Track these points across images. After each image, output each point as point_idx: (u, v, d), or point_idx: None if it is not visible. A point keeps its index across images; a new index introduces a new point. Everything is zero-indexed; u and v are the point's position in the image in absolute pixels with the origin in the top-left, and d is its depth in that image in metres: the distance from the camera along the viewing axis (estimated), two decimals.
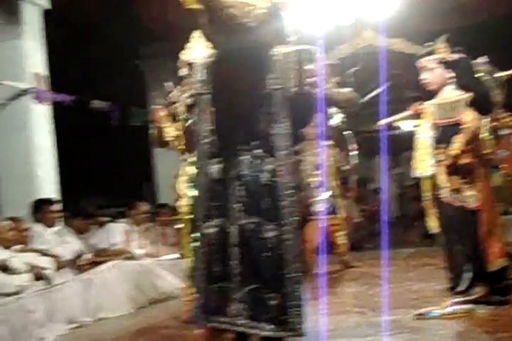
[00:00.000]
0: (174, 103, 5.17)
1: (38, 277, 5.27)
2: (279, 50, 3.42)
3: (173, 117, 5.14)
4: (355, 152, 7.57)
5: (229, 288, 3.34)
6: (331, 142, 7.23)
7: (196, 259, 3.49)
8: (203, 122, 3.50)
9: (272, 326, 3.27)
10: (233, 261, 3.33)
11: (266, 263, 3.30)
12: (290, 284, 3.26)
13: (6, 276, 5.05)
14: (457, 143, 4.41)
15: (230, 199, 3.37)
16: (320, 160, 6.97)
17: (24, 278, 5.16)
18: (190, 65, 3.66)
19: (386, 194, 12.84)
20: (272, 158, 3.36)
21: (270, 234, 3.30)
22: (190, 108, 3.71)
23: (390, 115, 5.18)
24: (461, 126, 4.47)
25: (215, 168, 3.43)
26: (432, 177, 4.62)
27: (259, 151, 3.38)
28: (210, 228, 3.40)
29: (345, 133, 7.37)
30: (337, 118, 6.99)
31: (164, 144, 5.57)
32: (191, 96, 3.64)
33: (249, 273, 3.31)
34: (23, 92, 7.57)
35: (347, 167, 7.53)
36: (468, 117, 4.47)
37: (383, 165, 13.15)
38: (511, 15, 9.50)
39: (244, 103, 3.42)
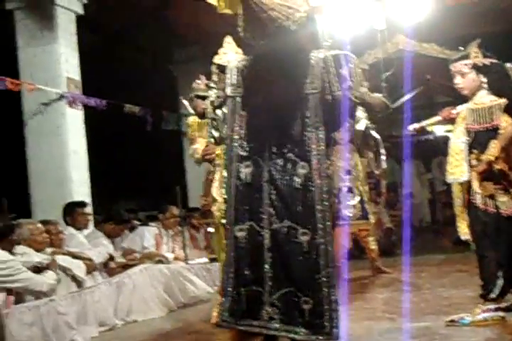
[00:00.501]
0: (199, 97, 5.20)
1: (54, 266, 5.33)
2: (316, 55, 3.42)
3: (200, 114, 5.16)
4: (385, 157, 7.54)
5: (260, 291, 3.34)
6: (360, 147, 7.21)
7: (225, 262, 3.50)
8: (234, 125, 3.50)
9: (306, 330, 3.27)
10: (265, 265, 3.33)
11: (300, 267, 3.29)
12: (324, 288, 3.26)
13: (39, 276, 5.10)
14: (493, 149, 4.37)
15: (261, 203, 3.37)
16: (349, 165, 6.95)
17: (54, 276, 5.21)
18: (221, 67, 3.67)
19: (417, 199, 12.78)
20: (305, 162, 3.35)
21: (304, 239, 3.29)
22: (216, 109, 3.72)
23: (421, 120, 5.15)
24: (498, 131, 4.43)
25: (245, 171, 3.43)
26: (464, 183, 4.58)
27: (291, 155, 3.37)
28: (241, 231, 3.40)
29: (374, 137, 7.34)
30: (363, 123, 6.97)
31: (202, 161, 5.61)
32: (218, 97, 3.65)
33: (282, 277, 3.31)
34: (58, 97, 7.66)
35: (377, 172, 7.50)
36: (506, 122, 4.44)
37: (414, 170, 13.12)
38: None
39: (279, 107, 3.42)
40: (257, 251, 3.36)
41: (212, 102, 3.75)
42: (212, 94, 3.79)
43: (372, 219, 7.27)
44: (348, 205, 6.93)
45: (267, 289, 3.32)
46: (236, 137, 3.48)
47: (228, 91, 3.56)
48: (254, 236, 3.37)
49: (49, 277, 5.16)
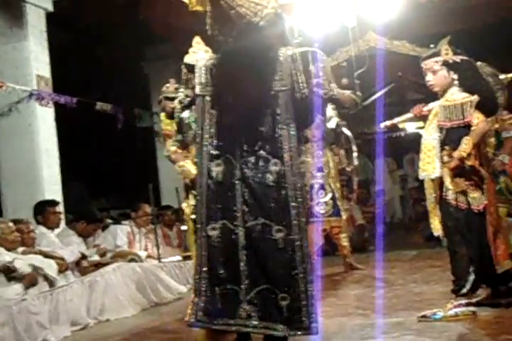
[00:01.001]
0: (168, 98, 5.19)
1: (32, 282, 5.29)
2: (284, 52, 3.42)
3: (169, 114, 5.16)
4: (356, 154, 7.59)
5: (236, 290, 3.34)
6: (332, 144, 7.25)
7: (198, 262, 3.49)
8: (205, 124, 3.49)
9: (285, 326, 3.28)
10: (241, 263, 3.33)
11: (276, 264, 3.30)
12: (301, 284, 3.27)
13: (6, 287, 5.08)
14: (466, 145, 4.40)
15: (234, 201, 3.37)
16: (321, 161, 6.98)
17: (18, 290, 5.19)
18: (189, 67, 3.66)
19: (389, 196, 12.87)
20: (277, 159, 3.35)
21: (279, 235, 3.30)
22: (185, 108, 3.69)
23: (392, 117, 5.18)
24: (471, 128, 4.47)
25: (217, 169, 3.42)
26: (436, 179, 4.62)
27: (263, 152, 3.37)
28: (213, 230, 3.39)
29: (346, 134, 7.38)
30: (333, 121, 6.98)
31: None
32: (187, 96, 3.63)
33: (258, 274, 3.32)
34: (28, 95, 7.59)
35: (349, 168, 7.54)
36: (477, 119, 4.48)
37: (386, 167, 13.20)
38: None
39: (249, 104, 3.42)
40: (231, 250, 3.36)
41: (180, 101, 3.72)
42: (181, 94, 3.76)
43: (344, 215, 7.30)
44: (321, 202, 6.97)
45: (244, 287, 3.32)
46: (206, 136, 3.47)
47: (197, 90, 3.54)
48: (228, 234, 3.37)
49: (12, 291, 5.13)
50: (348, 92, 3.74)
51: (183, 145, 5.29)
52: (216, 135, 3.45)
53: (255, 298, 3.31)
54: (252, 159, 3.37)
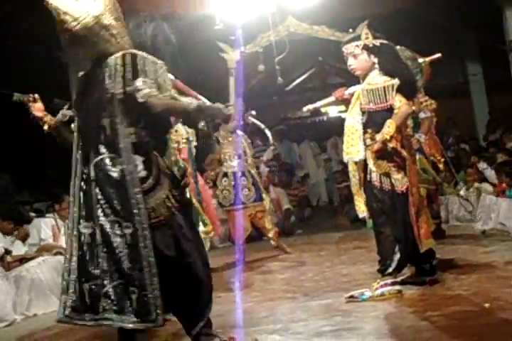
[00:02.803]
0: None
1: None
2: (116, 55, 3.57)
3: None
4: (273, 147, 7.72)
5: (98, 285, 3.48)
6: (248, 133, 7.37)
7: (67, 259, 3.61)
8: (75, 127, 3.75)
9: (136, 319, 3.41)
10: (99, 259, 3.48)
11: (126, 259, 3.45)
12: (147, 277, 3.40)
13: None
14: (389, 128, 4.46)
15: (92, 200, 3.54)
16: (240, 149, 7.09)
17: None
18: None
19: (314, 179, 13.01)
20: (120, 157, 3.51)
21: (127, 231, 3.46)
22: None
23: (314, 101, 5.22)
24: (394, 111, 4.53)
25: (85, 171, 3.61)
26: (360, 162, 4.68)
27: (108, 153, 3.55)
28: (82, 229, 3.56)
29: (259, 126, 7.50)
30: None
31: None
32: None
33: (113, 269, 3.47)
34: None
35: (262, 159, 7.67)
36: (399, 102, 4.54)
37: (310, 151, 13.33)
38: (428, 3, 9.71)
39: (94, 108, 3.62)
40: (92, 247, 3.52)
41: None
42: None
43: (266, 199, 7.36)
44: (244, 189, 7.07)
45: (101, 282, 3.47)
46: (76, 138, 3.71)
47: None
48: (90, 232, 3.53)
49: None
50: (184, 99, 3.58)
51: None
52: (78, 137, 3.69)
53: (112, 293, 3.46)
54: (102, 159, 3.56)
